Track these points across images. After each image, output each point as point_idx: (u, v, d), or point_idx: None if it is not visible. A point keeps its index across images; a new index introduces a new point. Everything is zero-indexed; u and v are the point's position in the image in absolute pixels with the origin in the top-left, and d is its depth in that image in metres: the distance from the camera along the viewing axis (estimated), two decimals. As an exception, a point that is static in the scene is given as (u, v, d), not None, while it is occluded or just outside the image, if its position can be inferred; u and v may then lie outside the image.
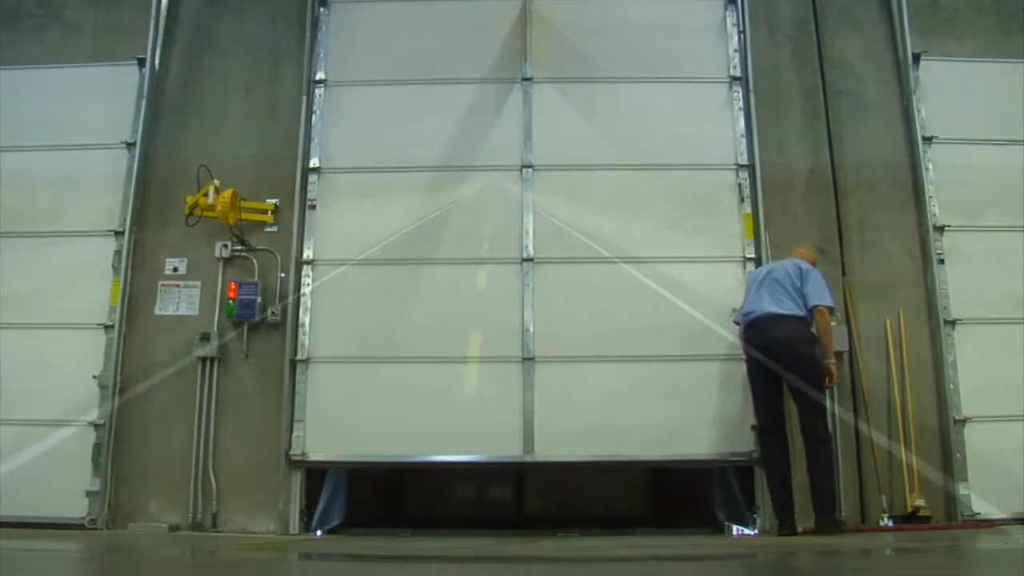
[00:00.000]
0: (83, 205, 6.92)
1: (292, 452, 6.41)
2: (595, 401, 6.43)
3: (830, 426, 5.99)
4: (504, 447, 6.38)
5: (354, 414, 6.50)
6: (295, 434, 6.44)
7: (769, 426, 5.95)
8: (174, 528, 6.30)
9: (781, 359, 5.76)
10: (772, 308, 5.85)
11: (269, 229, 6.80)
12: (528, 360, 6.49)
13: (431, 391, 6.49)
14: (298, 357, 6.57)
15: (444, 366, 6.54)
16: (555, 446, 6.37)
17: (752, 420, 6.26)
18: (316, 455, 6.45)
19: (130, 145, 6.97)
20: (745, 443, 6.33)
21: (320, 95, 7.08)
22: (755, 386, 5.99)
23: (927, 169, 6.78)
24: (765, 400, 5.95)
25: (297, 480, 6.44)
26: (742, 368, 6.21)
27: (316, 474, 6.60)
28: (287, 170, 6.86)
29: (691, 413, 6.40)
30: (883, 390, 6.46)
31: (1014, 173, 6.76)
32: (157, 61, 7.12)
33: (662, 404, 6.41)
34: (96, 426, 6.45)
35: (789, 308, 5.85)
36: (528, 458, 6.34)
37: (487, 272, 6.71)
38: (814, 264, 6.12)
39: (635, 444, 6.36)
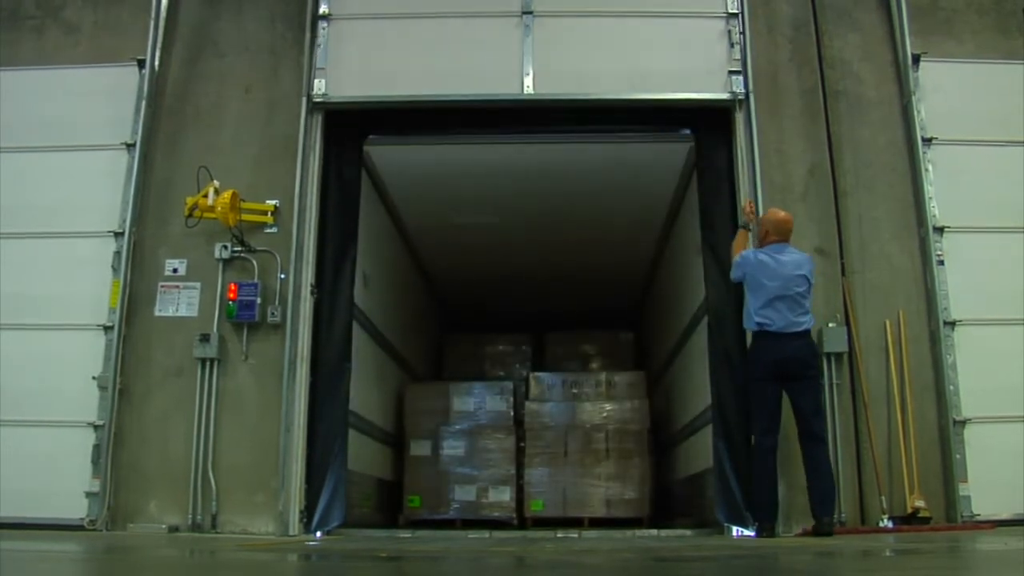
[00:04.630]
0: (82, 206, 6.91)
1: (314, 94, 6.91)
2: (588, 52, 7.03)
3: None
4: (505, 86, 7.00)
5: (372, 64, 7.06)
6: (316, 79, 6.96)
7: (772, 430, 5.97)
8: (173, 529, 6.30)
9: (797, 369, 5.94)
10: (791, 329, 5.97)
11: (269, 230, 6.80)
12: (527, 14, 7.07)
13: (440, 44, 7.10)
14: (320, 12, 7.08)
15: (450, 20, 7.16)
16: (552, 87, 7.00)
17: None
18: (337, 97, 6.98)
19: (130, 146, 6.96)
20: (720, 87, 6.90)
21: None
22: (764, 391, 6.01)
23: (927, 170, 6.77)
24: (772, 405, 5.98)
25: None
26: (721, 24, 6.94)
27: (317, 467, 6.57)
28: (287, 171, 6.86)
29: (677, 61, 6.99)
30: (883, 391, 6.46)
31: (1014, 174, 6.76)
32: (157, 62, 7.12)
33: (655, 53, 7.03)
34: (95, 427, 6.45)
35: (803, 325, 6.02)
36: (527, 95, 6.95)
37: None
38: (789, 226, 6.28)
39: (625, 87, 7.01)
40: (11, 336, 6.65)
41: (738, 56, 6.94)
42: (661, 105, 7.11)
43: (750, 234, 6.46)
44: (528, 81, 6.96)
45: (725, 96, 6.91)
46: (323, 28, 7.09)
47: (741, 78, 6.90)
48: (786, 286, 6.00)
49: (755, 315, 6.03)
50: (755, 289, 6.08)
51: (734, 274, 6.28)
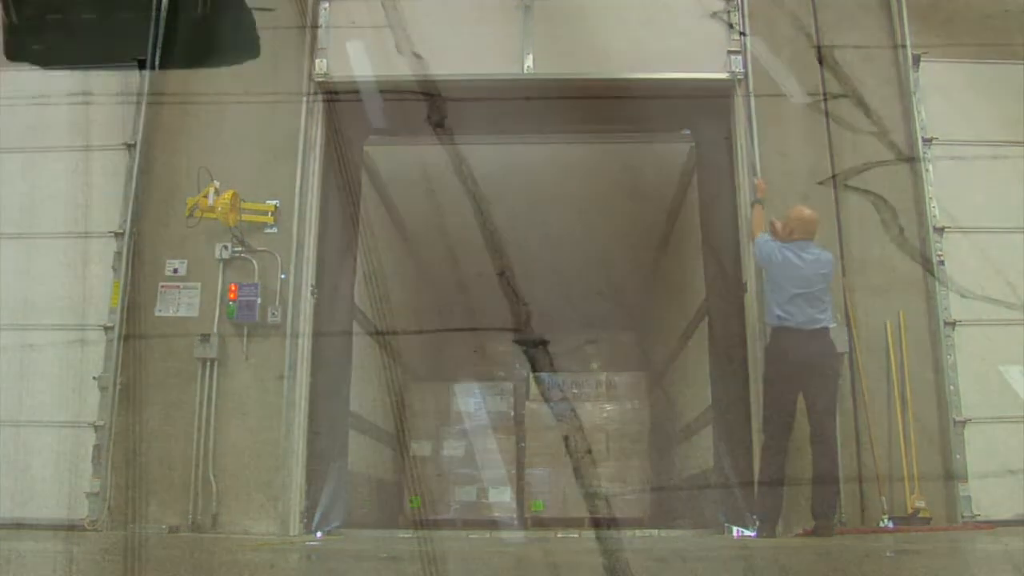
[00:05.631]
0: (83, 207, 6.91)
1: (316, 73, 6.99)
2: (588, 32, 7.05)
3: None
4: (506, 66, 7.05)
5: (373, 44, 7.03)
6: (318, 59, 7.03)
7: (785, 432, 5.95)
8: (174, 529, 6.28)
9: (816, 370, 5.94)
10: (812, 325, 5.96)
11: (269, 231, 6.80)
12: None
13: (441, 24, 7.09)
14: None
15: (452, 0, 7.23)
16: (552, 67, 7.05)
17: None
18: (339, 77, 7.02)
19: (130, 146, 6.96)
20: (719, 67, 6.94)
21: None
22: (779, 391, 6.00)
23: (927, 170, 6.76)
24: (788, 405, 5.96)
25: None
26: (720, 5, 6.97)
27: (317, 467, 6.57)
28: (287, 171, 6.85)
29: (676, 42, 7.02)
30: (883, 391, 6.46)
31: (1014, 174, 6.75)
32: (157, 62, 7.10)
33: (654, 34, 7.04)
34: (96, 427, 6.45)
35: (823, 322, 6.00)
36: (527, 74, 6.98)
37: None
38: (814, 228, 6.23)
39: (625, 67, 7.02)
40: (11, 336, 6.65)
41: (736, 36, 6.96)
42: (660, 87, 7.06)
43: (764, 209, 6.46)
44: (528, 61, 6.99)
45: (724, 76, 6.91)
46: (324, 8, 7.12)
47: (740, 58, 6.91)
48: (809, 284, 6.02)
49: (776, 310, 6.04)
50: (778, 285, 6.08)
51: (756, 254, 6.32)
